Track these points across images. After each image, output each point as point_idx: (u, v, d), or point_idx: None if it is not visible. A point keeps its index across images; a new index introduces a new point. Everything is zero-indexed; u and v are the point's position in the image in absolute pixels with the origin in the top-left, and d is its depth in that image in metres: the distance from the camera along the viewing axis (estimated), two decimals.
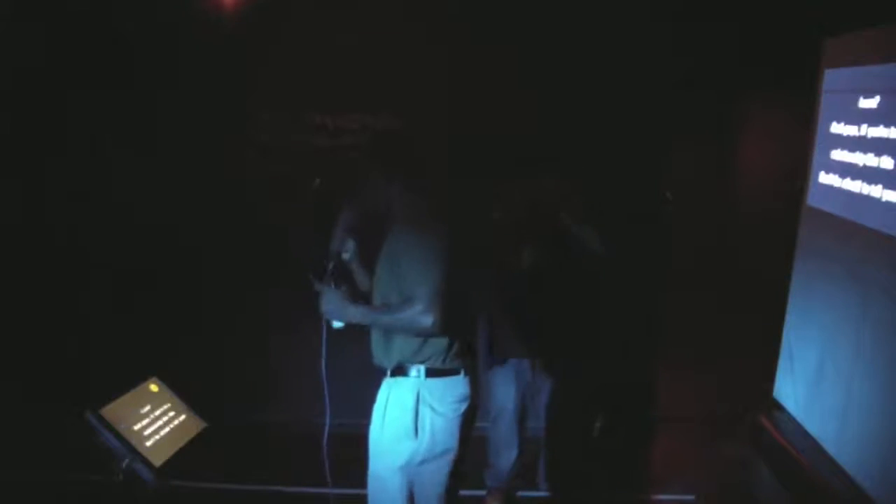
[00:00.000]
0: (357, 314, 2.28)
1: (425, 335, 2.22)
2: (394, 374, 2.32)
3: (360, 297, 2.34)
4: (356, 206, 2.43)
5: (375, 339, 2.36)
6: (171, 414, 3.88)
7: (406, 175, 2.32)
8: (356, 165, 2.37)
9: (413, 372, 2.29)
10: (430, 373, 2.28)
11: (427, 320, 2.15)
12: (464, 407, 2.33)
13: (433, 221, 2.27)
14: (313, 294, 2.33)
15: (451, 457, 2.32)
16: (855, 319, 3.37)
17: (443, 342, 2.28)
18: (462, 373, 2.33)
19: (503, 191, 3.23)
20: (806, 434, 3.76)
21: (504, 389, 3.27)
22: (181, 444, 3.79)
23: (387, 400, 2.31)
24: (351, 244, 2.48)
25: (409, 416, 2.26)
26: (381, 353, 2.35)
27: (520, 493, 3.43)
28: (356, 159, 2.39)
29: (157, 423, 3.77)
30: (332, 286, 2.31)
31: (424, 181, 2.36)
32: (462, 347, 2.35)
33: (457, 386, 2.32)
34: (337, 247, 2.47)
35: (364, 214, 2.42)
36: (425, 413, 2.27)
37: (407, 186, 2.31)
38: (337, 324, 2.32)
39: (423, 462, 2.28)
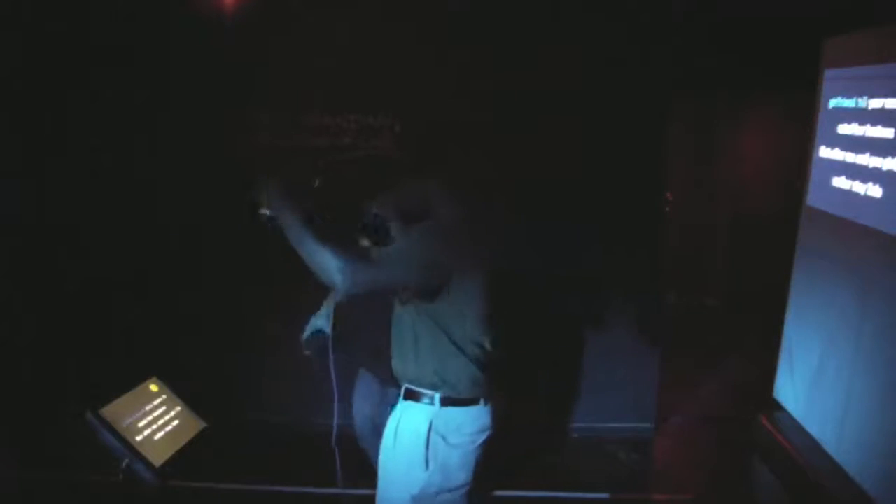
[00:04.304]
0: (289, 214, 2.00)
1: (328, 285, 1.91)
2: (406, 398, 2.13)
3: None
4: (390, 206, 2.21)
5: (400, 348, 2.15)
6: (171, 414, 3.86)
7: (446, 172, 2.19)
8: (391, 164, 2.21)
9: (426, 399, 2.09)
10: (446, 402, 2.08)
11: (340, 281, 1.85)
12: (482, 438, 2.12)
13: (466, 226, 2.09)
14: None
15: (466, 490, 2.12)
16: (855, 319, 3.37)
17: (468, 367, 2.08)
18: (482, 402, 2.12)
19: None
20: (806, 434, 3.76)
21: (359, 405, 2.90)
22: (181, 444, 3.78)
23: (397, 424, 2.13)
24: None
25: (420, 447, 2.07)
26: (402, 364, 2.15)
27: (515, 494, 3.43)
28: (392, 158, 2.25)
29: (157, 423, 3.76)
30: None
31: (465, 179, 2.18)
32: (488, 375, 2.13)
33: (476, 417, 2.11)
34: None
35: (400, 213, 2.21)
36: (437, 444, 2.07)
37: (446, 184, 2.15)
38: (267, 211, 2.09)
39: (438, 493, 2.09)
